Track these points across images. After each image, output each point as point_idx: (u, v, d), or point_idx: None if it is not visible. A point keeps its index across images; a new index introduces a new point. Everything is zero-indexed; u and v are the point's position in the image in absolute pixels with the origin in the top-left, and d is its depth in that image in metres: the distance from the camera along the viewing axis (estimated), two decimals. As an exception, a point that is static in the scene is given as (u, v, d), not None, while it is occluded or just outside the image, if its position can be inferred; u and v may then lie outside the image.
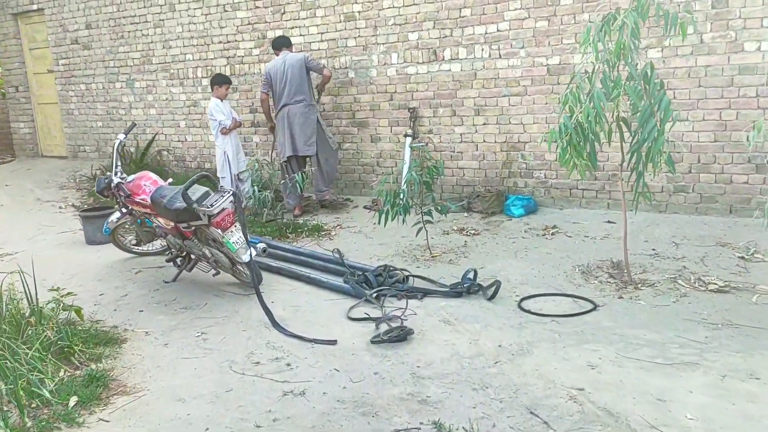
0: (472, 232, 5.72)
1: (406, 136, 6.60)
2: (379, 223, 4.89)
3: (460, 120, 6.44)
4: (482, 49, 6.17)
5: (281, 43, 6.64)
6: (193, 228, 4.30)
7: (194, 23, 8.13)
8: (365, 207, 6.81)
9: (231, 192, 4.11)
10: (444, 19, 6.32)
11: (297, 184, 6.44)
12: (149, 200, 4.52)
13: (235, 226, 4.18)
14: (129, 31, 8.83)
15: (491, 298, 4.09)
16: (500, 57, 6.10)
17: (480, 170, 6.45)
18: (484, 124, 6.32)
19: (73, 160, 10.22)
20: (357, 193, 7.33)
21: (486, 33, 6.14)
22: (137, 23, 8.71)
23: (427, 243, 5.19)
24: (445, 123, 6.53)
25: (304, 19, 7.20)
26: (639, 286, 4.18)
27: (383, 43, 6.73)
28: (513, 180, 6.30)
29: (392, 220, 4.87)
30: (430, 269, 4.82)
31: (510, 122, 6.18)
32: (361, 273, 4.49)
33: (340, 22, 6.96)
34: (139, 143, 9.08)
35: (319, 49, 7.15)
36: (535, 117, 6.04)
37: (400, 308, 4.00)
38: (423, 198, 5.10)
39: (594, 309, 3.85)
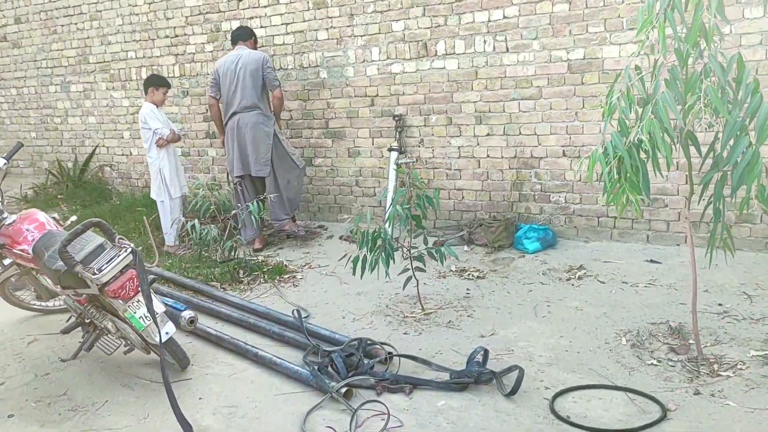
0: (476, 274, 4.55)
1: (390, 150, 5.42)
2: (354, 273, 3.71)
3: (458, 130, 5.27)
4: (485, 41, 5.00)
5: (237, 36, 5.45)
6: (84, 296, 3.11)
7: (136, 14, 6.92)
8: (342, 238, 5.63)
9: (130, 249, 2.91)
10: (436, 5, 5.15)
11: (254, 212, 5.27)
12: (31, 252, 3.32)
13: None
14: (62, 25, 7.60)
15: (511, 393, 2.91)
16: (507, 51, 4.94)
17: (483, 192, 5.28)
18: (488, 135, 5.15)
19: (6, 177, 8.94)
20: (332, 218, 6.14)
21: (489, 21, 4.97)
22: (71, 15, 7.48)
23: (417, 294, 4.01)
24: (439, 134, 5.36)
25: (264, 6, 6.01)
26: (717, 369, 3.02)
27: (361, 36, 5.55)
28: (525, 205, 5.13)
29: (371, 272, 3.69)
30: (422, 336, 3.64)
31: (520, 132, 5.01)
32: (326, 351, 3.29)
33: (308, 9, 5.77)
34: (77, 158, 7.87)
35: (283, 44, 5.96)
36: (553, 126, 4.87)
37: (380, 413, 2.82)
38: (412, 236, 3.92)
39: (664, 417, 2.68)
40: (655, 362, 3.15)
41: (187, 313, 3.27)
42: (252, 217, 5.03)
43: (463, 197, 5.39)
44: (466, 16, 5.05)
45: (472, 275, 4.54)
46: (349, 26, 5.59)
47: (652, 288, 4.07)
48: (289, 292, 4.55)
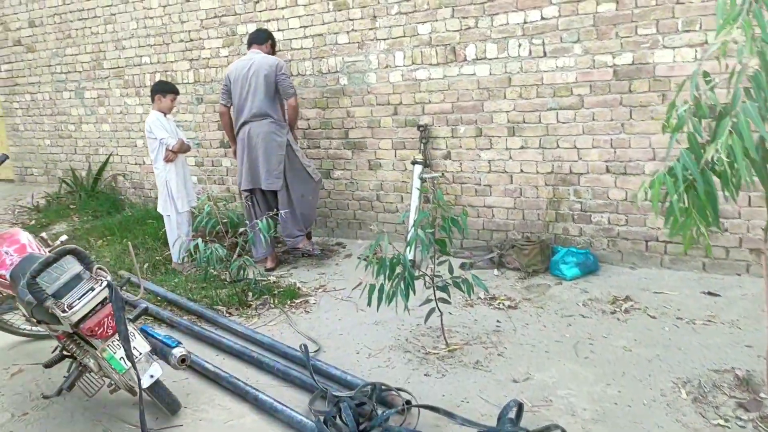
0: (508, 303, 4.10)
1: (414, 163, 5.01)
2: (369, 304, 3.31)
3: (489, 142, 4.84)
4: (519, 45, 4.57)
5: (252, 39, 5.12)
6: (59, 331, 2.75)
7: (151, 17, 6.64)
8: (361, 257, 5.22)
9: (106, 283, 2.54)
10: (466, 5, 4.74)
11: (264, 230, 4.92)
12: (8, 278, 2.99)
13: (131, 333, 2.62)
14: (77, 29, 7.37)
15: (551, 460, 2.46)
16: (545, 55, 4.49)
17: (516, 210, 4.83)
18: (522, 147, 4.71)
19: (20, 185, 8.77)
20: (351, 235, 5.75)
21: (525, 22, 4.53)
22: (85, 18, 7.24)
23: (441, 327, 3.58)
24: (468, 146, 4.93)
25: (282, 8, 5.66)
26: (799, 433, 2.53)
27: (384, 39, 5.15)
28: (562, 225, 4.66)
29: (388, 304, 3.28)
30: (445, 378, 3.21)
31: (558, 145, 4.56)
32: (335, 397, 2.88)
33: (328, 11, 5.40)
34: (91, 166, 7.62)
35: (302, 48, 5.60)
36: (595, 139, 4.41)
37: (394, 481, 2.40)
38: (435, 263, 3.49)
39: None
40: (722, 422, 2.67)
41: (178, 351, 2.89)
42: (263, 234, 4.66)
43: (493, 215, 4.95)
44: (499, 18, 4.62)
45: (503, 304, 4.09)
46: (371, 29, 5.20)
47: (711, 326, 3.57)
48: (300, 318, 4.16)
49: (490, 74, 4.73)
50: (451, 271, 3.43)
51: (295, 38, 5.63)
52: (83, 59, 7.38)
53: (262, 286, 4.62)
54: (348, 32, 5.33)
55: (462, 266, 4.76)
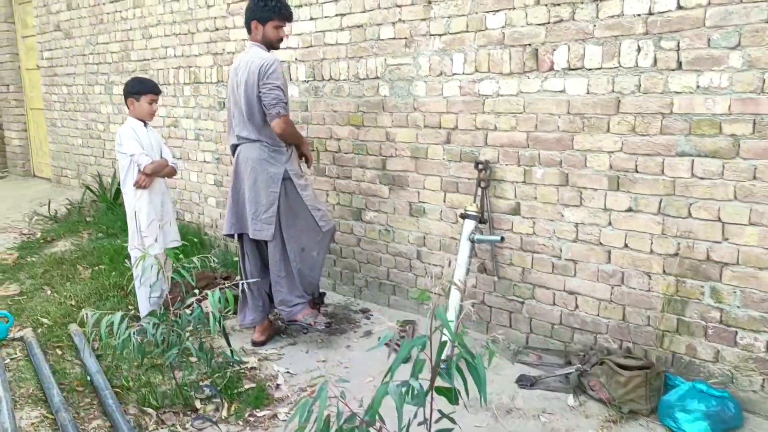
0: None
1: (464, 217, 3.52)
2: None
3: (578, 195, 3.26)
4: (639, 49, 2.96)
5: (248, 18, 3.70)
6: None
7: (177, 0, 5.60)
8: (381, 340, 3.80)
9: None
10: (559, -14, 3.20)
11: (252, 288, 3.69)
12: None
13: None
14: (108, 13, 6.52)
15: None
16: (680, 67, 2.86)
17: (613, 306, 3.21)
18: (630, 210, 3.09)
19: (56, 186, 8.17)
20: (382, 300, 4.35)
21: (650, 13, 2.92)
22: (116, 1, 6.36)
23: None
24: (547, 198, 3.38)
25: (316, -10, 4.37)
26: None
27: (440, 34, 3.71)
28: (687, 342, 2.99)
29: None
30: None
31: (691, 214, 2.91)
32: None
33: (371, -6, 4.05)
34: (116, 173, 6.76)
35: (336, 44, 4.28)
36: (756, 211, 2.73)
37: None
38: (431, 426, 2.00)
39: None
40: None
41: None
42: (254, 293, 3.45)
43: (577, 306, 3.35)
44: (610, 4, 3.03)
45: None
46: (423, 19, 3.77)
47: None
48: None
49: (588, 93, 3.15)
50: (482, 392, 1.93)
51: (330, 30, 4.32)
52: (113, 48, 6.52)
53: (227, 377, 3.34)
54: (393, 23, 3.94)
55: (520, 381, 3.23)
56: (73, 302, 4.48)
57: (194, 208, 5.83)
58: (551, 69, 3.27)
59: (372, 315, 4.26)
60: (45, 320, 4.20)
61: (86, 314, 2.77)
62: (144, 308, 4.04)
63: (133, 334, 2.86)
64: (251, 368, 3.56)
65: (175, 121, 5.87)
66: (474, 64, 3.57)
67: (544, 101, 3.32)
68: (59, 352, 3.76)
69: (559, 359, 3.38)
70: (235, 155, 3.69)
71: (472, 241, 3.45)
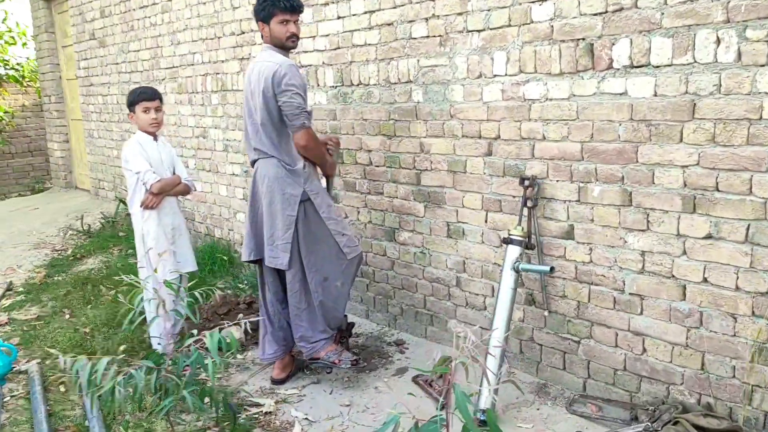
0: None
1: (507, 242, 3.05)
2: None
3: (644, 218, 2.74)
4: (718, 41, 2.43)
5: (256, 20, 3.32)
6: None
7: (203, 2, 5.31)
8: (415, 380, 3.38)
9: None
10: (619, -32, 2.69)
11: (273, 320, 3.35)
12: None
13: None
14: (138, 19, 6.32)
15: None
16: (772, 61, 2.32)
17: (690, 352, 2.68)
18: (710, 237, 2.56)
19: (94, 198, 8.08)
20: (419, 331, 3.92)
21: (733, -4, 2.40)
22: (145, 6, 6.15)
23: None
24: (606, 220, 2.87)
25: (343, -14, 3.98)
26: None
27: (479, 31, 3.25)
28: (784, 401, 2.45)
29: None
30: None
31: (788, 243, 2.36)
32: None
33: (401, -12, 3.62)
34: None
35: (365, 44, 3.87)
36: None
37: None
38: None
39: None
40: None
41: None
42: (276, 325, 3.10)
43: (644, 350, 2.83)
44: (681, -11, 2.52)
45: None
46: (460, 14, 3.32)
47: None
48: None
49: (656, 95, 2.63)
50: None
51: (358, 30, 3.92)
52: (144, 56, 6.32)
53: (237, 425, 2.98)
54: (427, 19, 3.50)
55: (574, 441, 2.74)
56: (87, 329, 4.23)
57: (224, 223, 5.54)
58: (610, 67, 2.76)
59: (407, 348, 3.83)
60: (53, 351, 3.95)
61: (64, 361, 2.44)
62: (155, 339, 3.75)
63: (119, 384, 2.52)
64: (266, 413, 3.20)
65: (203, 132, 5.59)
66: (518, 64, 3.10)
67: (602, 106, 2.81)
68: (62, 389, 3.49)
69: (623, 412, 2.87)
70: (254, 171, 3.33)
71: (517, 271, 2.98)
